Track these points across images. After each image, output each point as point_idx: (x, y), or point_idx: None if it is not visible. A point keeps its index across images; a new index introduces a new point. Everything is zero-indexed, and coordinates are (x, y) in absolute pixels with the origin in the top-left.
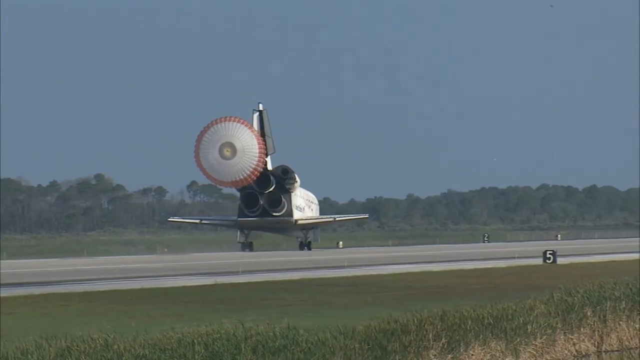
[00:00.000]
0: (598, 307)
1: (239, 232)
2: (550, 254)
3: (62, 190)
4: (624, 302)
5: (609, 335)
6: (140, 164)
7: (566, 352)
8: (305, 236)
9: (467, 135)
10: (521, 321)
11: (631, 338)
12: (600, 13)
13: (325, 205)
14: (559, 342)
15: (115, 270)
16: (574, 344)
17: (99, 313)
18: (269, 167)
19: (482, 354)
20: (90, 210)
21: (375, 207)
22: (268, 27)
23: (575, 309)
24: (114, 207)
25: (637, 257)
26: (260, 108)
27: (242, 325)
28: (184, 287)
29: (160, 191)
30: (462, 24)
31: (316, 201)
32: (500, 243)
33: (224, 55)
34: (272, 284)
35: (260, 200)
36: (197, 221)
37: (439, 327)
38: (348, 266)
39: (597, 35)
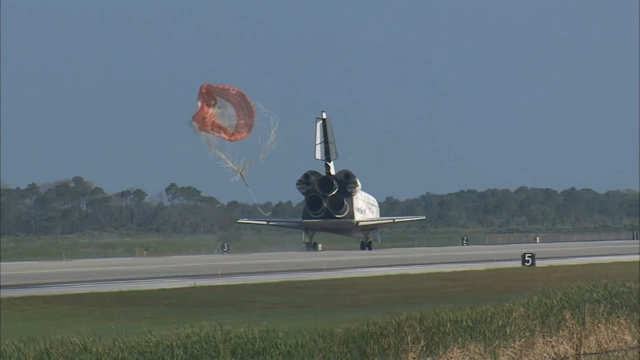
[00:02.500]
0: (577, 310)
1: (303, 233)
2: (528, 256)
3: (41, 193)
4: (602, 305)
5: (587, 338)
6: (119, 166)
7: (545, 354)
8: (366, 237)
9: (447, 138)
10: (500, 324)
11: (610, 341)
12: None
13: (301, 208)
14: (538, 344)
15: (94, 273)
16: (553, 347)
17: (78, 316)
18: (332, 171)
19: (461, 356)
20: (69, 213)
21: None
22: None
23: (554, 311)
24: (93, 210)
25: (616, 260)
26: (324, 116)
27: (221, 327)
28: (163, 289)
29: (139, 194)
30: (457, 23)
31: (376, 203)
32: (479, 246)
33: (205, 56)
34: (252, 287)
35: (323, 203)
36: (265, 222)
37: (417, 330)
38: (327, 269)
39: (588, 39)
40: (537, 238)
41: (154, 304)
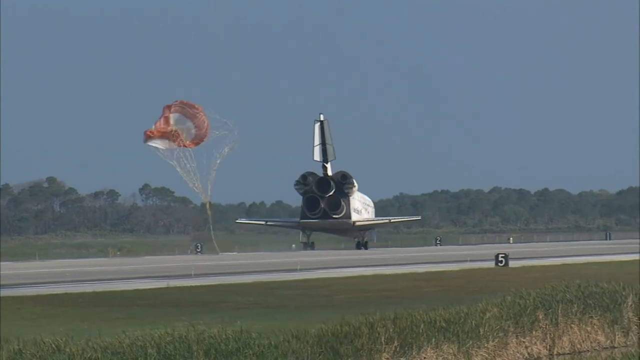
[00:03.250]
0: (550, 310)
1: (301, 233)
2: (502, 257)
3: (14, 193)
4: (576, 306)
5: (561, 338)
6: (93, 167)
7: (518, 355)
8: (363, 237)
9: (420, 138)
10: (473, 324)
11: (583, 341)
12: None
13: (278, 208)
14: (511, 345)
15: (67, 274)
16: (526, 347)
17: (51, 316)
18: (329, 172)
19: (434, 357)
20: (42, 214)
21: None
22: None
23: (528, 312)
24: (66, 211)
25: (589, 260)
26: (322, 118)
27: (195, 328)
28: (136, 290)
29: (112, 194)
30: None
31: (372, 204)
32: (452, 246)
33: (175, 55)
34: (225, 287)
35: (321, 204)
36: (263, 223)
37: (391, 330)
38: (301, 269)
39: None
40: (511, 238)
41: (128, 304)
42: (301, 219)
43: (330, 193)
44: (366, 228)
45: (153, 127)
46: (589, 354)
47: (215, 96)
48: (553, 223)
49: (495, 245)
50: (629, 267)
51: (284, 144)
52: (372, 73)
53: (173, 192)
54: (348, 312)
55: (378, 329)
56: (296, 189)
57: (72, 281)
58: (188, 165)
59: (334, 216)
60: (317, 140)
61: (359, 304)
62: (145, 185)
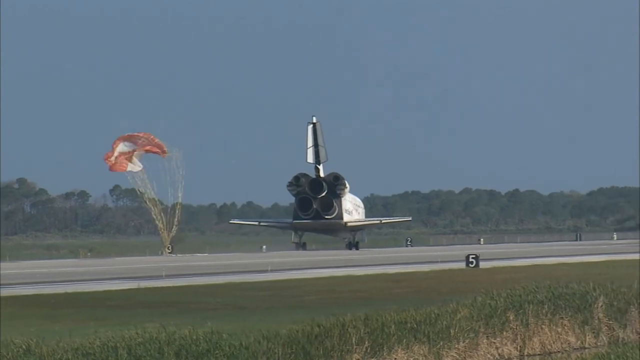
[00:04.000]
0: (521, 311)
1: (293, 233)
2: (472, 258)
3: None
4: (546, 306)
5: (531, 339)
6: (63, 168)
7: (489, 355)
8: (354, 237)
9: (390, 139)
10: (444, 325)
11: (553, 342)
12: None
13: (249, 209)
14: (482, 345)
15: (38, 275)
16: (497, 348)
17: (22, 317)
18: (322, 174)
19: (405, 357)
20: (12, 214)
21: None
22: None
23: (498, 312)
24: (37, 211)
25: (559, 261)
26: (314, 121)
27: (165, 329)
28: (107, 291)
29: (83, 195)
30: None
31: (362, 205)
32: (423, 247)
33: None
34: (196, 288)
35: (313, 204)
36: (256, 223)
37: (362, 331)
38: (272, 270)
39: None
40: (481, 239)
41: (99, 305)
42: (294, 219)
43: (323, 194)
44: (357, 228)
45: (112, 158)
46: (559, 354)
47: (206, 97)
48: (523, 224)
49: (466, 246)
50: (600, 268)
51: (261, 144)
52: (348, 73)
53: (144, 194)
54: (319, 313)
55: (349, 329)
56: (289, 190)
57: (42, 282)
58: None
59: (326, 217)
60: (309, 142)
61: (330, 304)
62: (116, 187)
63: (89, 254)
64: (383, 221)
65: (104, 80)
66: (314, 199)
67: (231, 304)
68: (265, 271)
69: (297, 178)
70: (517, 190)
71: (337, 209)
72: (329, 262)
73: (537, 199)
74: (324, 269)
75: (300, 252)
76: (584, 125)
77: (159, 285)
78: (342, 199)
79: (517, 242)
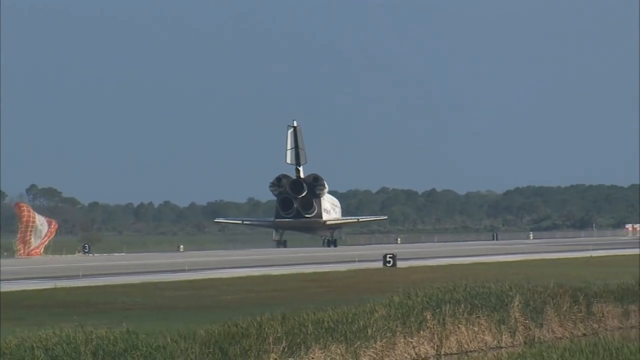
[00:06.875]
0: (437, 311)
1: (274, 232)
2: (390, 257)
3: None
4: (463, 306)
5: (448, 338)
6: None
7: (406, 355)
8: (332, 235)
9: (310, 138)
10: (361, 324)
11: (470, 341)
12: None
13: (166, 209)
14: (399, 345)
15: None
16: (414, 347)
17: None
18: (302, 175)
19: (323, 357)
20: None
21: (216, 211)
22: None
23: (415, 312)
24: None
25: (476, 261)
26: (294, 124)
27: (83, 329)
28: (23, 291)
29: None
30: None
31: (339, 204)
32: (340, 247)
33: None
34: (113, 288)
35: (294, 204)
36: (239, 222)
37: (279, 330)
38: (189, 270)
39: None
40: (399, 239)
41: (15, 305)
42: (275, 218)
43: (303, 194)
44: (336, 227)
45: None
46: (476, 354)
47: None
48: (440, 223)
49: (383, 245)
50: (516, 267)
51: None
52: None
53: (60, 193)
54: (236, 313)
55: (266, 329)
56: (271, 190)
57: None
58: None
59: (307, 216)
60: (289, 144)
61: (247, 304)
62: (33, 186)
63: (5, 253)
64: (360, 220)
65: (21, 77)
66: (294, 199)
67: (148, 304)
68: (182, 271)
69: (278, 179)
70: (433, 189)
71: (316, 208)
72: (246, 262)
73: (454, 199)
74: (240, 268)
75: (217, 251)
76: (501, 125)
77: (76, 285)
78: (322, 198)
79: (434, 242)
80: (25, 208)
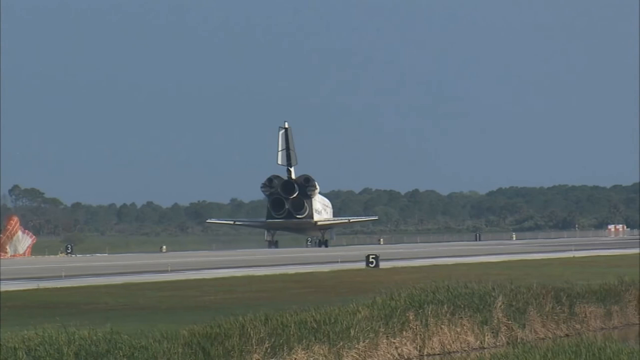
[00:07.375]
0: (420, 311)
1: (266, 232)
2: (373, 258)
3: None
4: (445, 306)
5: (431, 339)
6: None
7: (389, 355)
8: (323, 235)
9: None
10: (344, 325)
11: (453, 342)
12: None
13: (148, 209)
14: (382, 345)
15: None
16: (397, 348)
17: None
18: (293, 176)
19: (305, 357)
20: None
21: (199, 211)
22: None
23: (398, 313)
24: None
25: (459, 262)
26: (286, 126)
27: (65, 330)
28: (6, 291)
29: None
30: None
31: (330, 205)
32: (323, 247)
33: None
34: (96, 289)
35: (285, 205)
36: (232, 222)
37: (262, 331)
38: (172, 270)
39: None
40: (381, 239)
41: None
42: (267, 218)
43: (295, 195)
44: (327, 227)
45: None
46: (458, 354)
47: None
48: (423, 224)
49: (366, 246)
50: (499, 268)
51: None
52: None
53: (43, 194)
54: (218, 313)
55: (249, 330)
56: (262, 191)
57: None
58: None
59: (298, 216)
60: (281, 146)
61: (230, 305)
62: (15, 187)
63: None
64: (351, 220)
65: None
66: (286, 200)
67: (131, 305)
68: (165, 271)
69: (270, 180)
70: (416, 190)
71: (307, 209)
72: (229, 263)
73: (437, 199)
74: (223, 269)
75: (200, 252)
76: (484, 126)
77: (59, 286)
78: (313, 199)
79: (416, 242)
80: (14, 222)
